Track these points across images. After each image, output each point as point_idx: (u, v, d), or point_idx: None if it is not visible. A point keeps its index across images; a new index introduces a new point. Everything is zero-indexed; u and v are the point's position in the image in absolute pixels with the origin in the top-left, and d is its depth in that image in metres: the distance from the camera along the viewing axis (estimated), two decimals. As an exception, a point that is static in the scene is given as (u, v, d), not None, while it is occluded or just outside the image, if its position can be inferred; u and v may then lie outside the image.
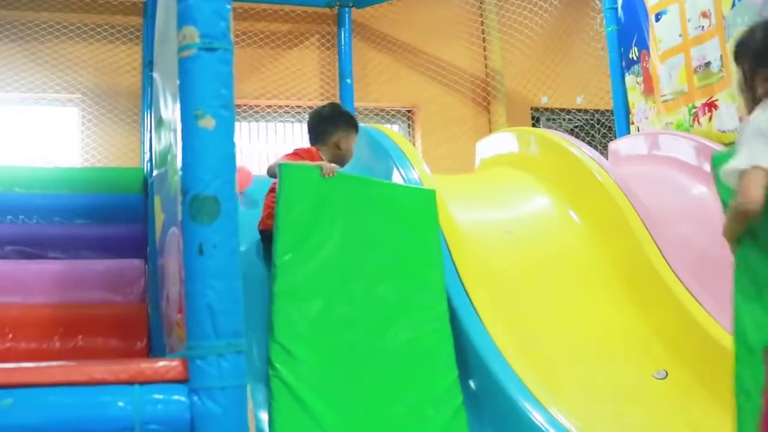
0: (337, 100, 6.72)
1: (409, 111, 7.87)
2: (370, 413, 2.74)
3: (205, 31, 1.72)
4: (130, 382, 1.64)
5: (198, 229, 1.67)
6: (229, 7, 1.75)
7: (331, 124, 3.66)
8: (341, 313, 2.88)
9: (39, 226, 4.09)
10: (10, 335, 3.12)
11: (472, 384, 2.96)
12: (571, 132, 7.05)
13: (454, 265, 3.36)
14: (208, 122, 1.71)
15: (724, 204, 2.29)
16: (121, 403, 1.61)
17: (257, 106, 7.11)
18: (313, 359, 2.72)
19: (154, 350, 3.18)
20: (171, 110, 2.57)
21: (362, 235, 3.09)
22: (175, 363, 1.67)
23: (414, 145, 7.19)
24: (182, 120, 1.74)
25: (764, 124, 2.13)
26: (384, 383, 2.83)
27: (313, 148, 3.60)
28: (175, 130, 2.43)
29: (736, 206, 2.11)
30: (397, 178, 3.78)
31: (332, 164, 3.22)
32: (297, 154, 3.54)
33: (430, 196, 3.40)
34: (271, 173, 3.37)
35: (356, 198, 3.16)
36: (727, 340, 3.22)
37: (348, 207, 3.10)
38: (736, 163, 2.12)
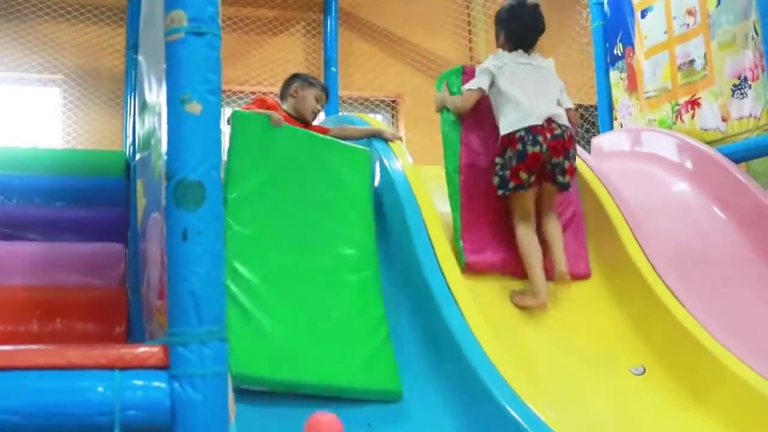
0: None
1: (393, 101, 7.86)
2: (308, 332, 3.04)
3: (194, 15, 1.70)
4: (110, 368, 1.62)
5: (182, 215, 1.65)
6: (218, -10, 1.74)
7: (289, 81, 4.18)
8: (279, 241, 3.23)
9: (18, 207, 4.04)
10: (-13, 317, 3.09)
11: (451, 375, 2.97)
12: (555, 126, 7.05)
13: (436, 257, 3.36)
14: (194, 107, 1.69)
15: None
16: (100, 389, 1.60)
17: (241, 92, 7.08)
18: (254, 277, 3.05)
19: (133, 335, 3.16)
20: (156, 94, 2.55)
21: (301, 180, 3.44)
22: (156, 349, 1.65)
23: (397, 135, 7.15)
24: (168, 104, 1.72)
25: (485, 65, 3.70)
26: (320, 308, 3.14)
27: (271, 99, 4.00)
28: (159, 114, 2.41)
29: (457, 108, 3.73)
30: (379, 167, 3.77)
31: (279, 116, 3.53)
32: (253, 103, 3.91)
33: (365, 155, 3.76)
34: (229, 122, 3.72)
35: (298, 148, 3.52)
36: (704, 336, 3.27)
37: (290, 154, 3.46)
38: (465, 86, 3.71)
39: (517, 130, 3.51)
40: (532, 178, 3.53)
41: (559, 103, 3.73)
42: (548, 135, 3.51)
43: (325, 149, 3.64)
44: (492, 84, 3.66)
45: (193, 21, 1.71)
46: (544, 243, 3.60)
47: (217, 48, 1.73)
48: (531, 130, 3.50)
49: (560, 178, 3.58)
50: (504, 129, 3.57)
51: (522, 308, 3.49)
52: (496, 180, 3.58)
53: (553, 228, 3.65)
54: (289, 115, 4.01)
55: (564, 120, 3.63)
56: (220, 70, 1.75)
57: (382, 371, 3.07)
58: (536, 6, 3.80)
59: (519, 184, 3.53)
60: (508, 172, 3.52)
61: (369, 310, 3.26)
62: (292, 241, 3.27)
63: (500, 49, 3.77)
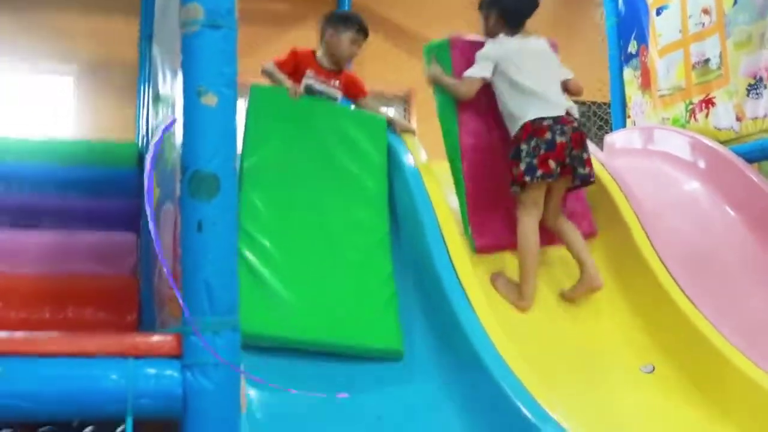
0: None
1: (406, 95, 7.85)
2: (316, 291, 3.14)
3: (210, 8, 1.71)
4: (123, 356, 1.64)
5: (197, 205, 1.67)
6: (234, -16, 1.75)
7: (323, 24, 4.06)
8: (292, 204, 3.34)
9: (31, 197, 4.07)
10: (0, 303, 3.11)
11: (462, 371, 2.97)
12: (567, 123, 7.04)
13: (448, 253, 3.35)
14: (210, 99, 1.70)
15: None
16: (114, 377, 1.61)
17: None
18: (264, 239, 3.16)
19: (144, 324, 3.19)
20: (170, 85, 2.56)
21: (316, 146, 3.55)
22: (169, 338, 1.67)
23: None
24: (184, 96, 1.73)
25: (486, 51, 3.65)
26: (329, 268, 3.25)
27: (299, 49, 4.03)
28: (173, 106, 2.42)
29: (458, 94, 3.69)
30: (392, 161, 3.78)
31: (297, 88, 3.65)
32: (289, 54, 3.98)
33: (381, 122, 3.85)
34: (265, 74, 3.92)
35: (314, 115, 3.62)
36: (714, 336, 3.27)
37: (306, 122, 3.57)
38: (467, 72, 3.65)
39: (544, 118, 3.48)
40: (559, 168, 3.48)
41: (563, 88, 3.74)
42: (570, 127, 3.52)
43: (342, 117, 3.74)
44: (495, 71, 3.63)
45: (210, 14, 1.72)
46: (556, 241, 3.61)
47: (233, 41, 1.75)
48: (559, 120, 3.49)
49: (581, 170, 3.54)
50: (526, 116, 3.51)
51: (502, 295, 3.47)
52: (522, 166, 3.46)
53: (572, 230, 3.62)
54: (321, 66, 4.01)
55: (575, 111, 3.65)
56: (236, 63, 1.75)
57: (386, 330, 3.16)
58: None
59: (547, 172, 3.45)
60: (536, 160, 3.43)
61: (377, 268, 3.34)
62: (304, 204, 3.37)
63: (501, 35, 3.71)
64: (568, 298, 3.54)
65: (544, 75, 3.66)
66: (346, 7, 7.26)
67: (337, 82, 4.05)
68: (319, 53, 4.04)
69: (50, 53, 6.87)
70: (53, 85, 7.08)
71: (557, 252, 3.74)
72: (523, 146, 3.48)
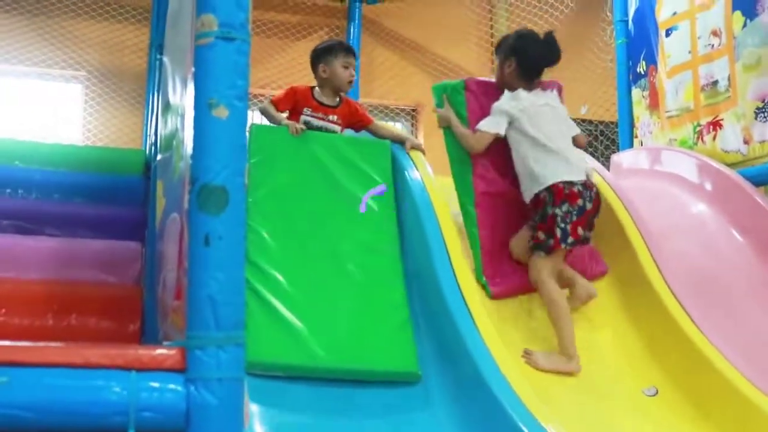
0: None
1: (413, 110, 7.86)
2: (328, 319, 3.14)
3: (224, 20, 1.70)
4: (126, 368, 1.63)
5: (205, 219, 1.66)
6: (249, -3, 1.75)
7: (317, 56, 4.17)
8: (300, 233, 3.38)
9: (37, 202, 4.08)
10: (3, 310, 3.11)
11: (467, 394, 2.95)
12: (574, 141, 7.04)
13: (453, 271, 3.34)
14: (221, 112, 1.69)
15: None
16: (116, 389, 1.60)
17: (262, 95, 7.10)
18: (273, 268, 3.19)
19: (146, 334, 3.18)
20: (179, 95, 2.56)
21: (322, 176, 3.60)
22: (173, 352, 1.65)
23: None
24: (195, 108, 1.72)
25: (502, 106, 3.55)
26: (340, 295, 3.24)
27: (302, 86, 4.15)
28: (182, 116, 2.42)
29: (468, 146, 3.63)
30: (399, 176, 3.77)
31: (298, 125, 3.71)
32: (283, 92, 4.11)
33: (384, 147, 3.85)
34: (262, 113, 4.01)
35: (318, 147, 3.68)
36: (718, 360, 3.25)
37: (310, 154, 3.64)
38: (481, 125, 3.59)
39: (574, 183, 3.39)
40: (587, 236, 3.48)
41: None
42: (592, 193, 3.47)
43: (345, 146, 3.76)
44: (511, 126, 3.54)
45: (224, 26, 1.71)
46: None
47: (246, 54, 1.74)
48: (585, 185, 3.43)
49: (589, 234, 3.53)
50: (554, 177, 3.40)
51: (543, 370, 3.26)
52: (558, 232, 3.35)
53: (585, 283, 3.58)
54: (319, 103, 4.10)
55: (592, 176, 3.62)
56: (248, 75, 1.75)
57: (400, 354, 3.13)
58: (552, 34, 3.73)
59: (578, 239, 3.42)
60: (569, 227, 3.37)
61: (389, 293, 3.32)
62: (312, 233, 3.40)
63: (519, 89, 3.59)
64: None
65: (563, 134, 3.60)
66: (356, 21, 7.29)
67: (335, 117, 4.12)
68: (317, 91, 4.12)
69: (60, 60, 6.89)
70: (62, 91, 7.10)
71: None
72: (557, 211, 3.37)
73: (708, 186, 4.48)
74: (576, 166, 3.49)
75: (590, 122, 7.31)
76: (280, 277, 3.18)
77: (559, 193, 3.38)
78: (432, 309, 3.29)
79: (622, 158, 5.28)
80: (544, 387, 3.02)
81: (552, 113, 3.61)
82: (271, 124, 3.94)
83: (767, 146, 4.35)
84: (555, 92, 3.74)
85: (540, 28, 6.94)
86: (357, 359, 3.07)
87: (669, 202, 4.54)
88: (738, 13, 4.49)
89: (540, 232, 3.41)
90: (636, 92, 5.48)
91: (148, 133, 5.16)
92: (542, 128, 3.51)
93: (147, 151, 4.68)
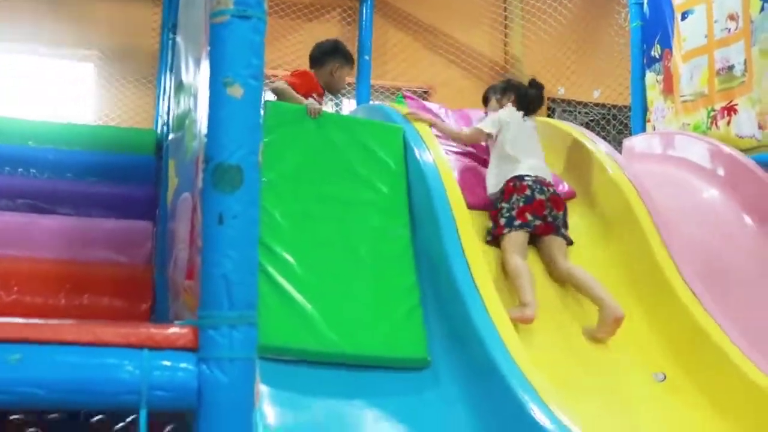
0: (354, 76, 6.70)
1: (425, 92, 7.84)
2: (339, 303, 3.16)
3: (240, -2, 1.70)
4: (139, 347, 1.63)
5: (219, 197, 1.65)
6: (265, -25, 1.73)
7: (329, 55, 4.41)
8: (312, 217, 3.37)
9: (50, 181, 4.08)
10: (16, 288, 3.12)
11: (479, 380, 2.95)
12: (586, 125, 7.01)
13: (465, 256, 3.32)
14: (236, 91, 1.68)
15: None
16: (129, 367, 1.60)
17: (274, 75, 7.07)
18: (286, 251, 3.19)
19: (157, 313, 3.18)
20: (192, 75, 2.56)
21: (335, 159, 3.60)
22: (185, 330, 1.65)
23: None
24: (210, 87, 1.71)
25: (499, 115, 4.04)
26: (351, 280, 3.27)
27: (310, 72, 4.32)
28: (195, 95, 2.42)
29: (463, 140, 4.18)
30: (411, 160, 3.76)
31: (318, 106, 3.70)
32: (295, 75, 4.24)
33: (398, 131, 3.87)
34: (279, 93, 4.06)
35: (332, 129, 3.68)
36: (727, 346, 3.24)
37: (324, 136, 3.64)
38: (480, 124, 4.09)
39: (525, 178, 3.79)
40: (537, 222, 3.71)
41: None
42: (550, 189, 3.81)
43: (357, 128, 3.80)
44: (498, 132, 3.98)
45: (240, 4, 1.70)
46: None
47: (262, 32, 1.73)
48: (537, 180, 3.79)
49: (564, 231, 3.81)
50: (507, 174, 3.84)
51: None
52: (502, 221, 3.71)
53: (581, 272, 3.62)
54: (321, 88, 4.34)
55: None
56: (264, 54, 1.74)
57: (410, 339, 3.16)
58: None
59: (525, 222, 3.70)
60: (515, 212, 3.71)
61: (400, 278, 3.35)
62: (324, 216, 3.41)
63: (511, 105, 4.10)
64: (597, 336, 3.43)
65: (532, 148, 4.00)
66: (369, 2, 7.24)
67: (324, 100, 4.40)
68: (317, 75, 4.37)
69: (72, 39, 6.89)
70: (74, 70, 7.10)
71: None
72: (504, 204, 3.77)
73: (721, 171, 4.45)
74: (538, 169, 3.88)
75: (603, 106, 7.28)
76: (291, 260, 3.18)
77: (508, 190, 3.79)
78: (442, 293, 3.29)
79: (634, 142, 5.25)
80: (554, 372, 3.01)
81: (531, 132, 4.06)
82: (286, 104, 3.92)
83: (782, 132, 4.32)
84: (535, 123, 4.16)
85: (554, 11, 6.94)
86: (367, 345, 3.09)
87: (681, 187, 4.52)
88: (755, -3, 4.45)
89: (490, 219, 3.82)
90: (650, 76, 5.45)
91: (160, 113, 5.15)
92: (517, 140, 3.96)
93: (159, 131, 4.68)
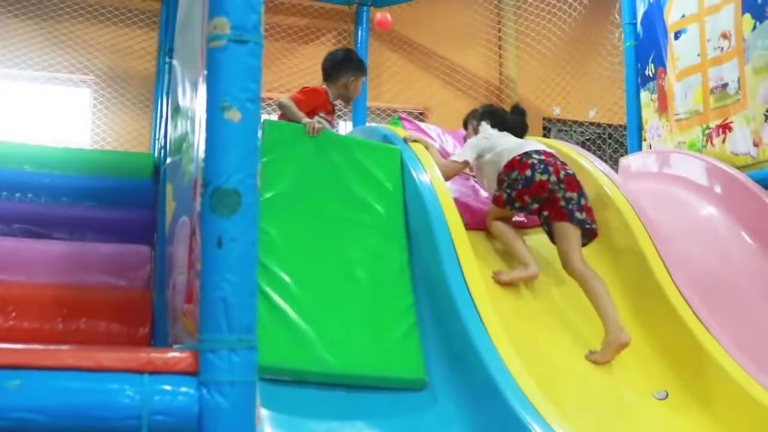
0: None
1: (421, 113, 7.86)
2: (335, 324, 3.15)
3: (237, 23, 1.70)
4: (139, 371, 1.62)
5: (218, 221, 1.65)
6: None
7: (342, 66, 4.28)
8: (309, 236, 3.38)
9: (47, 206, 4.08)
10: (14, 313, 3.11)
11: (478, 398, 2.94)
12: (582, 145, 7.04)
13: (462, 272, 3.33)
14: (233, 115, 1.69)
15: None
16: (129, 392, 1.59)
17: (270, 98, 7.11)
18: (283, 272, 3.19)
19: (156, 338, 3.18)
20: (189, 99, 2.56)
21: (332, 178, 3.60)
22: (185, 355, 1.65)
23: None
24: (207, 111, 1.72)
25: (474, 142, 3.99)
26: (348, 300, 3.26)
27: (321, 88, 4.20)
28: (192, 119, 2.42)
29: (443, 173, 3.81)
30: (408, 181, 3.76)
31: (318, 125, 3.66)
32: (302, 92, 4.13)
33: (395, 152, 3.88)
34: (283, 108, 3.99)
35: (329, 148, 3.67)
36: (728, 363, 3.24)
37: (321, 155, 3.63)
38: (455, 157, 4.00)
39: (532, 155, 3.71)
40: (535, 205, 3.68)
41: None
42: (561, 172, 3.68)
43: (355, 148, 3.78)
44: (479, 156, 3.95)
45: (236, 29, 1.71)
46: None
47: (259, 56, 1.73)
48: (544, 160, 3.68)
49: (578, 215, 3.63)
50: (511, 154, 3.78)
51: (508, 283, 3.61)
52: (504, 195, 3.75)
53: (599, 284, 3.52)
54: (331, 105, 4.27)
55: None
56: (261, 78, 1.75)
57: (407, 360, 3.17)
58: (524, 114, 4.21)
59: (524, 205, 3.72)
60: (514, 193, 3.70)
61: (396, 299, 3.35)
62: (321, 236, 3.41)
63: (483, 123, 4.09)
64: (600, 361, 3.37)
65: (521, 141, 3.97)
66: (364, 24, 7.29)
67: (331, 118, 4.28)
68: (330, 93, 4.25)
69: (69, 64, 6.91)
70: (71, 95, 7.12)
71: (558, 272, 3.77)
72: (504, 177, 3.76)
73: (717, 189, 4.47)
74: (535, 145, 3.83)
75: (598, 125, 7.31)
76: (287, 280, 3.18)
77: (512, 163, 3.74)
78: (442, 314, 3.29)
79: (630, 161, 5.27)
80: (554, 391, 3.00)
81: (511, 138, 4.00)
82: (284, 121, 3.93)
83: (777, 149, 4.34)
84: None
85: (548, 32, 6.98)
86: (364, 365, 3.09)
87: (678, 204, 4.53)
88: (747, 15, 4.47)
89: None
90: (645, 95, 5.47)
91: (157, 137, 5.16)
92: (505, 142, 3.91)
93: (156, 155, 4.68)
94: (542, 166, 3.65)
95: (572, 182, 3.66)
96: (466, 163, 3.95)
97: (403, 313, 3.31)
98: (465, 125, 4.33)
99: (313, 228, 3.42)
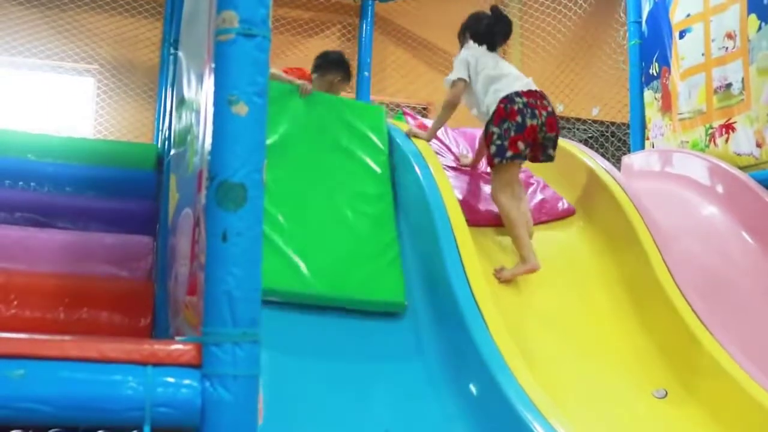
0: (354, 92, 6.72)
1: (424, 108, 7.85)
2: (324, 254, 3.42)
3: (245, 17, 1.70)
4: (142, 363, 1.62)
5: (223, 215, 1.65)
6: (270, -7, 1.74)
7: (333, 66, 4.67)
8: (300, 181, 3.64)
9: (49, 195, 4.06)
10: (15, 302, 3.10)
11: (473, 389, 2.95)
12: (585, 142, 7.03)
13: (465, 271, 3.33)
14: (241, 108, 1.69)
15: None
16: (132, 384, 1.60)
17: (272, 90, 7.10)
18: (275, 210, 3.42)
19: (157, 329, 3.17)
20: (194, 91, 2.56)
21: (321, 131, 3.90)
22: (189, 347, 1.65)
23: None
24: (215, 105, 1.71)
25: (462, 56, 3.99)
26: (336, 235, 3.52)
27: (307, 71, 4.55)
28: (197, 111, 2.42)
29: (449, 100, 4.01)
30: (413, 172, 3.78)
31: (309, 86, 4.02)
32: (292, 69, 4.47)
33: (380, 110, 4.22)
34: (272, 77, 4.20)
35: (318, 105, 3.99)
36: (728, 363, 3.24)
37: (311, 111, 3.94)
38: (449, 77, 3.99)
39: (515, 100, 3.75)
40: (528, 150, 3.78)
41: None
42: (544, 112, 3.79)
43: (343, 106, 4.10)
44: (470, 73, 3.97)
45: (245, 22, 1.71)
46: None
47: (267, 50, 1.73)
48: (527, 104, 3.77)
49: (551, 152, 3.88)
50: (497, 95, 3.80)
51: (508, 281, 3.65)
52: (493, 149, 3.77)
53: (526, 210, 3.90)
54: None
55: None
56: (268, 72, 1.75)
57: (388, 285, 3.40)
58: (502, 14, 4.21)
59: (517, 153, 3.75)
60: (506, 142, 3.74)
61: (380, 235, 3.59)
62: (311, 179, 3.68)
63: (470, 41, 4.08)
64: (505, 277, 3.64)
65: (510, 70, 4.00)
66: (369, 18, 7.27)
67: None
68: (316, 81, 4.57)
69: (73, 53, 6.91)
70: (75, 84, 7.12)
71: (560, 270, 3.81)
72: (495, 129, 3.78)
73: (719, 188, 4.47)
74: (522, 81, 3.88)
75: (601, 123, 7.30)
76: (278, 216, 3.41)
77: (498, 112, 3.77)
78: (443, 311, 3.33)
79: (633, 160, 5.27)
80: (553, 388, 3.01)
81: (501, 60, 4.05)
82: (281, 82, 4.14)
83: (780, 150, 4.34)
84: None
85: (552, 29, 6.97)
86: (347, 288, 3.33)
87: (680, 204, 4.53)
88: (753, 16, 4.47)
89: (485, 146, 3.89)
90: (648, 94, 5.47)
91: (161, 128, 5.16)
92: (493, 66, 3.95)
93: (159, 146, 4.67)
94: (529, 110, 3.75)
95: (552, 123, 3.83)
96: (462, 81, 3.95)
97: (386, 246, 3.54)
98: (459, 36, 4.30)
99: (303, 173, 3.68)
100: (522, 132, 3.72)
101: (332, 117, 3.96)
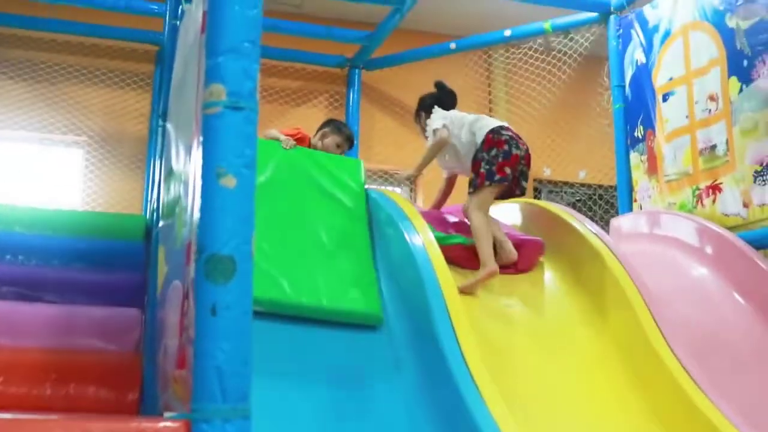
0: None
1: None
2: (301, 272, 3.66)
3: (233, 90, 1.71)
4: (129, 442, 1.60)
5: (212, 288, 1.64)
6: (257, 67, 1.76)
7: (327, 123, 5.00)
8: (283, 211, 3.95)
9: (37, 268, 4.03)
10: (0, 378, 3.05)
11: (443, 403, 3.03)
12: (573, 206, 7.06)
13: (455, 333, 3.31)
14: (229, 181, 1.69)
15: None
16: (119, 463, 1.57)
17: (261, 160, 7.13)
18: (260, 238, 3.36)
19: (145, 404, 3.12)
20: (183, 162, 2.56)
21: (304, 175, 4.24)
22: (177, 425, 1.62)
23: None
24: (203, 177, 1.72)
25: (435, 116, 4.42)
26: (313, 257, 3.79)
27: (303, 132, 4.81)
28: (185, 183, 2.42)
29: (436, 142, 4.34)
30: (403, 241, 3.77)
31: (292, 141, 4.40)
32: (296, 131, 4.71)
33: (357, 163, 4.54)
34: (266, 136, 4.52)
35: (302, 157, 4.36)
36: (724, 425, 3.20)
37: (294, 161, 4.30)
38: (432, 126, 4.37)
39: (502, 133, 4.19)
40: (511, 176, 4.16)
41: None
42: (523, 147, 4.23)
43: (322, 157, 4.45)
44: (449, 126, 4.35)
45: (232, 95, 1.72)
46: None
47: (254, 123, 1.74)
48: (512, 137, 4.19)
49: (524, 183, 4.27)
50: (483, 130, 4.22)
51: (470, 292, 3.87)
52: (483, 171, 4.14)
53: (496, 226, 4.26)
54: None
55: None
56: (256, 144, 1.75)
57: (365, 299, 3.65)
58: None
59: (504, 177, 4.14)
60: (494, 167, 4.13)
61: (358, 264, 3.84)
62: (292, 213, 3.98)
63: (436, 108, 4.48)
64: (468, 289, 3.86)
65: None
66: (356, 87, 7.36)
67: None
68: (312, 142, 4.82)
69: (61, 125, 6.94)
70: (63, 156, 7.13)
71: (546, 324, 3.83)
72: (484, 155, 4.17)
73: (708, 249, 4.48)
74: (496, 122, 4.33)
75: (589, 186, 7.34)
76: (262, 243, 3.48)
77: (487, 141, 4.18)
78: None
79: (621, 222, 5.29)
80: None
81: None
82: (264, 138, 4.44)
83: (767, 210, 4.36)
84: None
85: (537, 94, 7.06)
86: (323, 299, 3.57)
87: (670, 265, 4.53)
88: (734, 78, 4.55)
89: (471, 173, 4.23)
90: (634, 156, 5.52)
91: (149, 199, 5.15)
92: (465, 114, 4.41)
93: (148, 217, 4.66)
94: (513, 141, 4.18)
95: (528, 159, 4.25)
96: (445, 128, 4.30)
97: (362, 267, 3.82)
98: (416, 116, 4.69)
99: (285, 208, 3.99)
100: (509, 159, 4.13)
101: (313, 165, 4.29)
